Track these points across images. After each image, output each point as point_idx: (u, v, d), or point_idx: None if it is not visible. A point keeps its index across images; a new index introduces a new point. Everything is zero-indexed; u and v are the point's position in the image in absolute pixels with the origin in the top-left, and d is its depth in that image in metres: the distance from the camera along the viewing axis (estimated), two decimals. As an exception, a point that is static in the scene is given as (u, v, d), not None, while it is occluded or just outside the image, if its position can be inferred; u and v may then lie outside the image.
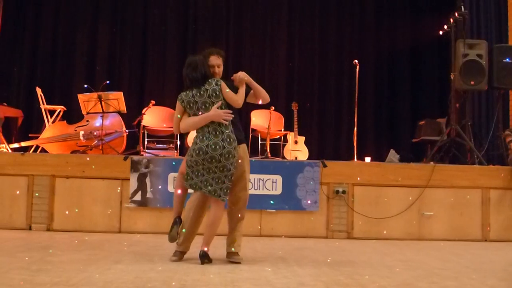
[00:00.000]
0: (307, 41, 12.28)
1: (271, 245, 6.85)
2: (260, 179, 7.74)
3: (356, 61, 9.39)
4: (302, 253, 6.27)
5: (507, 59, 9.18)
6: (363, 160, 9.30)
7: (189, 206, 5.43)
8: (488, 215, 7.94)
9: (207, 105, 5.23)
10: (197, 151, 5.15)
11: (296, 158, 9.83)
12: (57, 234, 7.34)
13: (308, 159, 9.80)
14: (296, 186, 7.74)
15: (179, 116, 5.34)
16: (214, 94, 5.24)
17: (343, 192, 7.78)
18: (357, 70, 9.36)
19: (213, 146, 5.12)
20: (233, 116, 5.28)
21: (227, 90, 5.28)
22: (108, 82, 9.60)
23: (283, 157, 10.02)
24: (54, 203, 7.68)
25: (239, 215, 5.54)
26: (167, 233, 5.47)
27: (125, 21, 12.04)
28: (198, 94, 5.24)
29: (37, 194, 7.65)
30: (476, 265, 5.70)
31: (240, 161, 5.35)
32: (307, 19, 12.28)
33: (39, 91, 10.02)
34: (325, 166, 7.83)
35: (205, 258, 5.22)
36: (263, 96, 5.56)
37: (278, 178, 7.76)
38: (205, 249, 5.25)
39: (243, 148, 5.50)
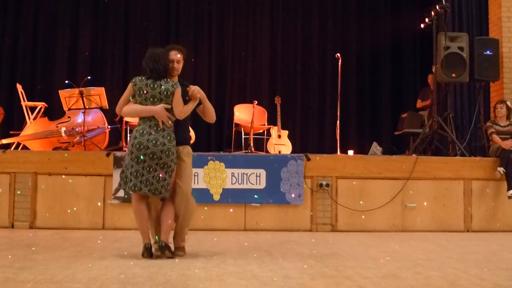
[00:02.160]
0: (290, 35, 12.27)
1: (256, 239, 6.85)
2: (244, 173, 7.74)
3: (339, 54, 9.41)
4: (287, 246, 6.28)
5: (488, 52, 9.26)
6: (346, 153, 9.32)
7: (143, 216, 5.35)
8: (470, 206, 8.01)
9: (155, 100, 5.21)
10: (137, 146, 5.14)
11: (279, 152, 9.83)
12: (40, 231, 7.29)
13: (291, 153, 9.81)
14: (280, 180, 7.76)
15: (131, 98, 5.31)
16: (165, 93, 5.21)
17: (327, 185, 7.80)
18: (340, 63, 9.37)
19: (154, 141, 5.13)
20: (171, 124, 5.26)
21: (178, 98, 5.26)
22: (89, 77, 9.53)
23: (267, 151, 10.03)
24: (36, 201, 7.62)
25: (181, 213, 5.46)
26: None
27: (106, 16, 11.94)
28: (152, 85, 5.23)
29: (19, 192, 7.60)
30: (459, 255, 5.74)
31: (179, 157, 5.37)
32: (290, 14, 12.27)
33: (19, 87, 9.91)
34: (308, 159, 7.85)
35: (165, 249, 5.23)
36: (210, 117, 5.72)
37: (262, 172, 7.77)
38: (167, 239, 5.29)
39: (188, 150, 5.51)
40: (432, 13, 9.12)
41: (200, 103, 5.50)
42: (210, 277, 4.36)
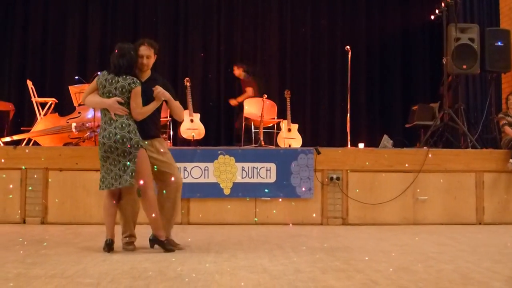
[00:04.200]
0: (299, 28, 12.24)
1: (267, 233, 6.85)
2: (254, 167, 7.73)
3: (348, 47, 9.36)
4: (297, 240, 6.27)
5: (499, 43, 9.19)
6: (357, 146, 9.29)
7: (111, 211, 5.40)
8: (482, 199, 7.96)
9: (110, 95, 5.21)
10: (100, 145, 5.23)
11: (290, 145, 9.81)
12: (52, 227, 7.32)
13: (301, 146, 9.79)
14: (290, 174, 7.74)
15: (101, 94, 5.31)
16: (120, 90, 5.19)
17: (338, 178, 7.78)
18: (349, 56, 9.33)
19: (108, 136, 5.15)
20: (125, 113, 5.21)
21: (135, 97, 5.21)
22: (99, 73, 9.51)
23: (277, 145, 10.00)
24: (48, 196, 7.64)
25: (173, 204, 5.49)
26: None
27: (115, 12, 11.96)
28: (110, 80, 5.23)
29: (30, 188, 7.62)
30: (471, 248, 5.71)
31: (157, 152, 5.41)
32: (299, 6, 12.23)
33: (30, 83, 9.94)
34: (319, 153, 7.82)
35: (155, 242, 5.32)
36: (177, 116, 5.74)
37: (272, 166, 7.75)
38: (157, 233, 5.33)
39: (158, 141, 5.50)
40: (442, 4, 9.06)
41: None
42: (221, 271, 4.36)
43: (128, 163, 5.13)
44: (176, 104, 5.55)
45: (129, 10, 11.99)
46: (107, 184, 5.21)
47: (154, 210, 5.27)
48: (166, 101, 5.45)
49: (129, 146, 5.12)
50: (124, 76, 5.22)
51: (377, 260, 4.94)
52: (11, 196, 7.57)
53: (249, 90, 10.74)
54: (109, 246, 5.24)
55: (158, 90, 5.32)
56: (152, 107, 5.33)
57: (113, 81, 5.22)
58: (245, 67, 11.00)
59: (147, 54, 5.37)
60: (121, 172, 5.16)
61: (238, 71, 10.98)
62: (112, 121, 5.19)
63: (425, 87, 11.98)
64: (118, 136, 5.12)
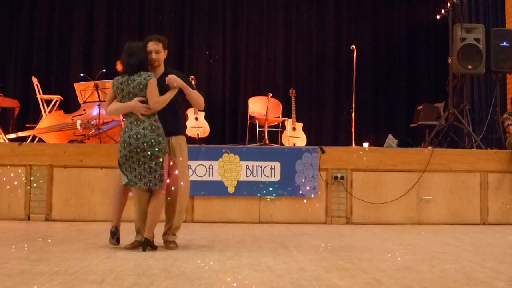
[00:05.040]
0: (304, 27, 12.23)
1: (271, 232, 6.85)
2: (258, 166, 7.73)
3: (354, 46, 9.35)
4: (301, 238, 6.27)
5: (505, 43, 9.15)
6: (362, 145, 9.28)
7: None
8: (486, 199, 7.95)
9: (131, 95, 5.18)
10: (123, 144, 5.16)
11: (294, 144, 9.82)
12: (56, 223, 7.34)
13: (306, 145, 9.78)
14: (295, 173, 7.74)
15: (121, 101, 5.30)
16: (138, 87, 5.16)
17: (342, 177, 7.78)
18: (355, 55, 9.33)
19: (135, 136, 5.10)
20: (150, 111, 5.18)
21: (152, 89, 5.17)
22: (104, 70, 9.55)
23: (281, 144, 10.01)
24: (52, 193, 7.67)
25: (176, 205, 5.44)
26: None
27: (121, 9, 11.98)
28: (126, 82, 5.21)
29: (35, 185, 7.64)
30: (475, 248, 5.70)
31: (172, 152, 5.35)
32: (304, 5, 12.22)
33: (35, 80, 9.96)
34: (323, 152, 7.82)
35: (147, 245, 5.19)
36: (196, 104, 5.60)
37: (277, 165, 7.76)
38: (149, 236, 5.24)
39: (180, 143, 5.43)
40: (448, 4, 9.03)
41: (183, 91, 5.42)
42: (225, 269, 4.37)
43: (156, 166, 5.13)
44: (194, 92, 5.46)
45: (134, 8, 11.99)
46: (131, 183, 5.20)
47: (157, 213, 5.27)
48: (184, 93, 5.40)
49: (157, 149, 5.11)
50: (140, 73, 5.20)
51: (381, 259, 4.93)
52: (19, 190, 7.60)
53: None
54: (113, 234, 5.26)
55: (169, 77, 5.27)
56: (168, 96, 5.27)
57: (129, 82, 5.20)
58: None
59: (156, 49, 5.34)
60: (146, 173, 5.13)
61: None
62: (139, 122, 5.14)
63: (430, 87, 11.94)
64: (148, 138, 5.09)
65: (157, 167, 5.14)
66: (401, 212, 7.84)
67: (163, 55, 5.41)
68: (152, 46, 5.34)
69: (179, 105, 5.51)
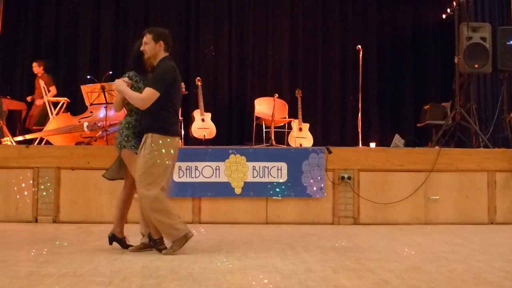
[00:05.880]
0: (310, 27, 12.20)
1: (278, 232, 6.85)
2: (265, 166, 7.73)
3: (360, 46, 9.34)
4: (308, 239, 6.27)
5: (511, 42, 9.13)
6: (368, 145, 9.27)
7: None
8: (494, 198, 7.92)
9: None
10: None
11: (301, 145, 9.81)
12: (64, 225, 7.36)
13: (313, 145, 9.78)
14: (302, 173, 7.73)
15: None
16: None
17: (349, 178, 7.76)
18: (361, 55, 9.32)
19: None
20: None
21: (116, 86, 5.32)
22: (111, 72, 9.57)
23: (288, 145, 10.00)
24: (60, 195, 7.69)
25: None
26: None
27: (127, 11, 11.99)
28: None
29: (42, 187, 7.66)
30: (483, 248, 5.69)
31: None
32: (310, 5, 12.20)
33: (42, 83, 10.00)
34: (330, 152, 7.81)
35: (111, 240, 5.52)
36: (134, 104, 5.26)
37: (284, 166, 7.75)
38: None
39: (149, 138, 5.16)
40: (454, 3, 9.03)
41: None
42: (232, 270, 4.37)
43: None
44: (129, 95, 5.20)
45: (140, 10, 12.00)
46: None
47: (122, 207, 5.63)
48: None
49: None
50: (128, 73, 5.43)
51: (388, 259, 4.93)
52: (27, 193, 7.63)
53: (54, 88, 10.33)
54: (109, 240, 5.54)
55: (115, 82, 5.37)
56: (118, 98, 5.43)
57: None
58: (45, 63, 10.53)
59: (144, 41, 5.35)
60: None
61: (39, 69, 10.39)
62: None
63: (436, 86, 11.91)
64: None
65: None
66: (408, 212, 7.82)
67: (152, 46, 5.31)
68: (144, 38, 5.39)
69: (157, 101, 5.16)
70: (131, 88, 5.23)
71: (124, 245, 5.44)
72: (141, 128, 5.29)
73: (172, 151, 5.19)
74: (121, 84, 5.26)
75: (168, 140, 5.17)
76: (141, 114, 5.27)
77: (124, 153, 5.32)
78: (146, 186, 5.09)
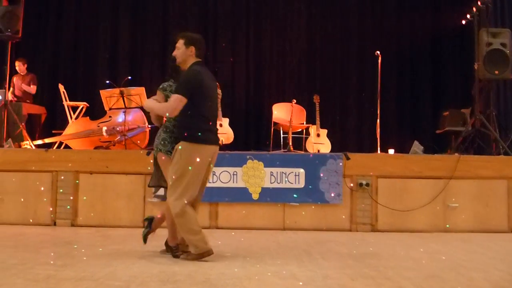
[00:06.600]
0: (328, 33, 12.18)
1: (295, 238, 6.83)
2: (283, 172, 7.71)
3: (378, 52, 9.31)
4: (326, 246, 6.24)
5: (532, 47, 9.04)
6: (387, 152, 9.22)
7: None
8: (514, 206, 7.83)
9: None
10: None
11: (318, 151, 9.78)
12: (82, 229, 7.39)
13: (330, 151, 9.74)
14: (319, 179, 7.70)
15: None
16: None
17: (367, 184, 7.72)
18: (379, 61, 9.28)
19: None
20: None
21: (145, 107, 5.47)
22: (130, 77, 9.63)
23: (306, 150, 9.98)
24: (78, 199, 7.73)
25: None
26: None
27: (146, 17, 12.05)
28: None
29: (61, 190, 7.71)
30: (502, 256, 5.63)
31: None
32: (328, 11, 12.19)
33: (61, 87, 10.09)
34: (348, 158, 7.78)
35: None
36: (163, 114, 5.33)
37: (301, 171, 7.73)
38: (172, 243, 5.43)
39: (178, 147, 5.10)
40: (474, 8, 8.96)
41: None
42: (249, 276, 4.36)
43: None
44: (157, 109, 5.26)
45: (158, 16, 12.07)
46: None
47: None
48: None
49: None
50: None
51: (406, 267, 4.89)
52: (45, 196, 7.69)
53: (35, 88, 10.21)
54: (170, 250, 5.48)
55: (144, 105, 5.55)
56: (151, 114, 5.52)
57: None
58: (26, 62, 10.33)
59: (177, 46, 5.31)
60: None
61: (23, 67, 10.22)
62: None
63: (456, 92, 11.82)
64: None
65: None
66: (427, 219, 7.75)
67: (183, 51, 5.26)
68: (176, 43, 5.35)
69: (182, 110, 5.09)
70: (166, 99, 5.24)
71: (173, 253, 5.34)
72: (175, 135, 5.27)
73: (198, 159, 5.01)
74: (147, 103, 5.37)
75: (196, 148, 5.04)
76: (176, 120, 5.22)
77: (159, 156, 5.28)
78: (174, 195, 5.03)
